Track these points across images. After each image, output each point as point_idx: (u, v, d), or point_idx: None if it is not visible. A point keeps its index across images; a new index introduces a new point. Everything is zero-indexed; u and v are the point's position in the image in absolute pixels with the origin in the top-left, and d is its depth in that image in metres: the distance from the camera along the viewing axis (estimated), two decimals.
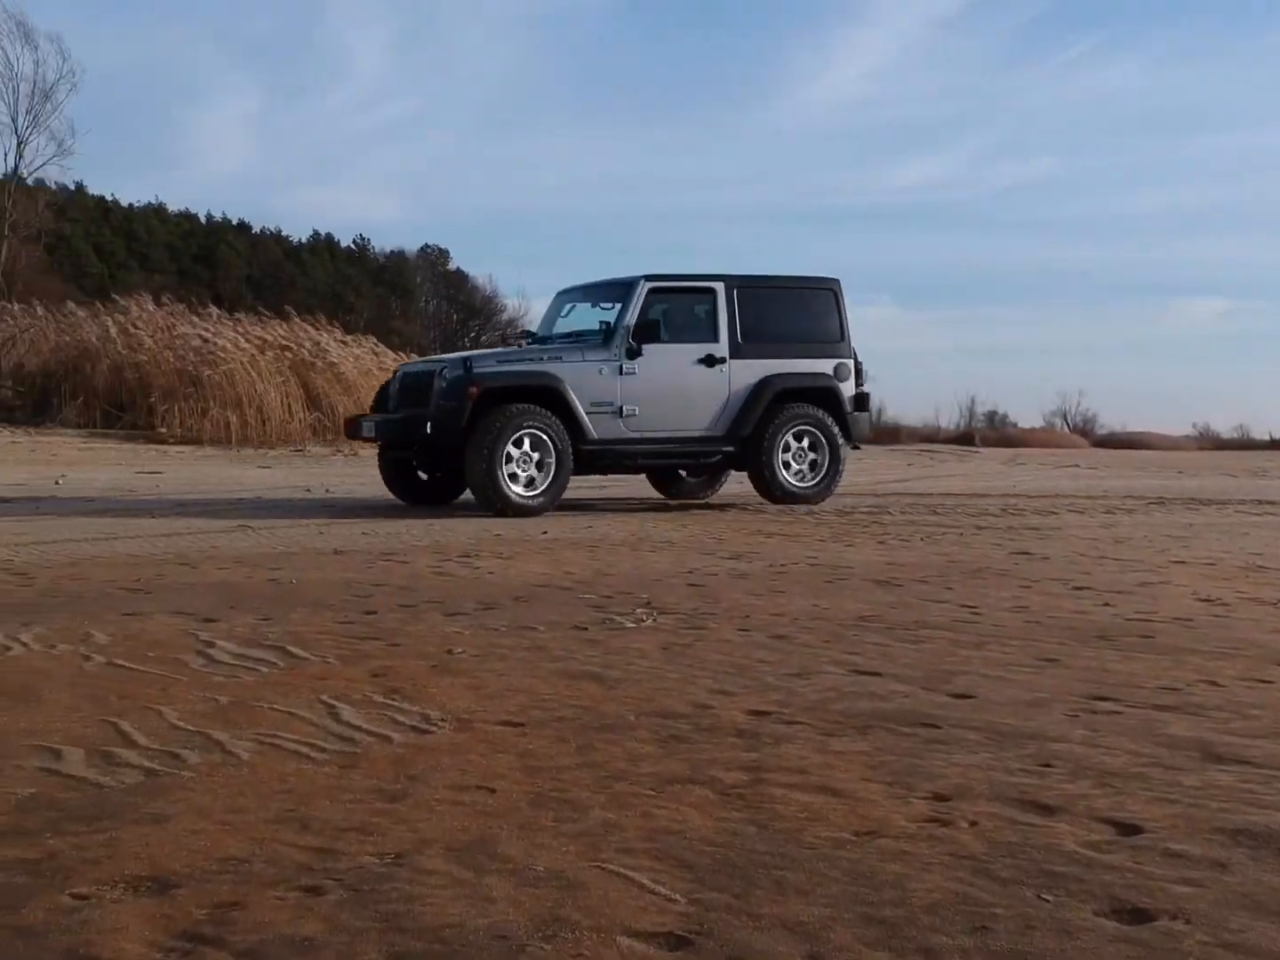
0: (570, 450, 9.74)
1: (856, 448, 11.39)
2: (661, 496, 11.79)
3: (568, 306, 11.30)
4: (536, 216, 69.41)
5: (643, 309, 10.13)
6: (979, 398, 47.02)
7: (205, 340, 22.55)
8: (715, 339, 10.41)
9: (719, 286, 10.50)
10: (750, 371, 10.46)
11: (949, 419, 45.79)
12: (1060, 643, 4.41)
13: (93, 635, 4.37)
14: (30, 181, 26.78)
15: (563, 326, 10.99)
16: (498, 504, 9.48)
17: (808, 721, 3.25)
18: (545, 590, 5.61)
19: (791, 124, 70.12)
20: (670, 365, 10.22)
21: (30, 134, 25.56)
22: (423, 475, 10.79)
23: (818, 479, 10.74)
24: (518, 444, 9.56)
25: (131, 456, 18.74)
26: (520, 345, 11.06)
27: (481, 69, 67.39)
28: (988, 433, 43.35)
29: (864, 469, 19.48)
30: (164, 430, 21.68)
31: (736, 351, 10.43)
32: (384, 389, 11.06)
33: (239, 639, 4.33)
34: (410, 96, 68.38)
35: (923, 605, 5.26)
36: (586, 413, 9.89)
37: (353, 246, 53.39)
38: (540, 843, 2.33)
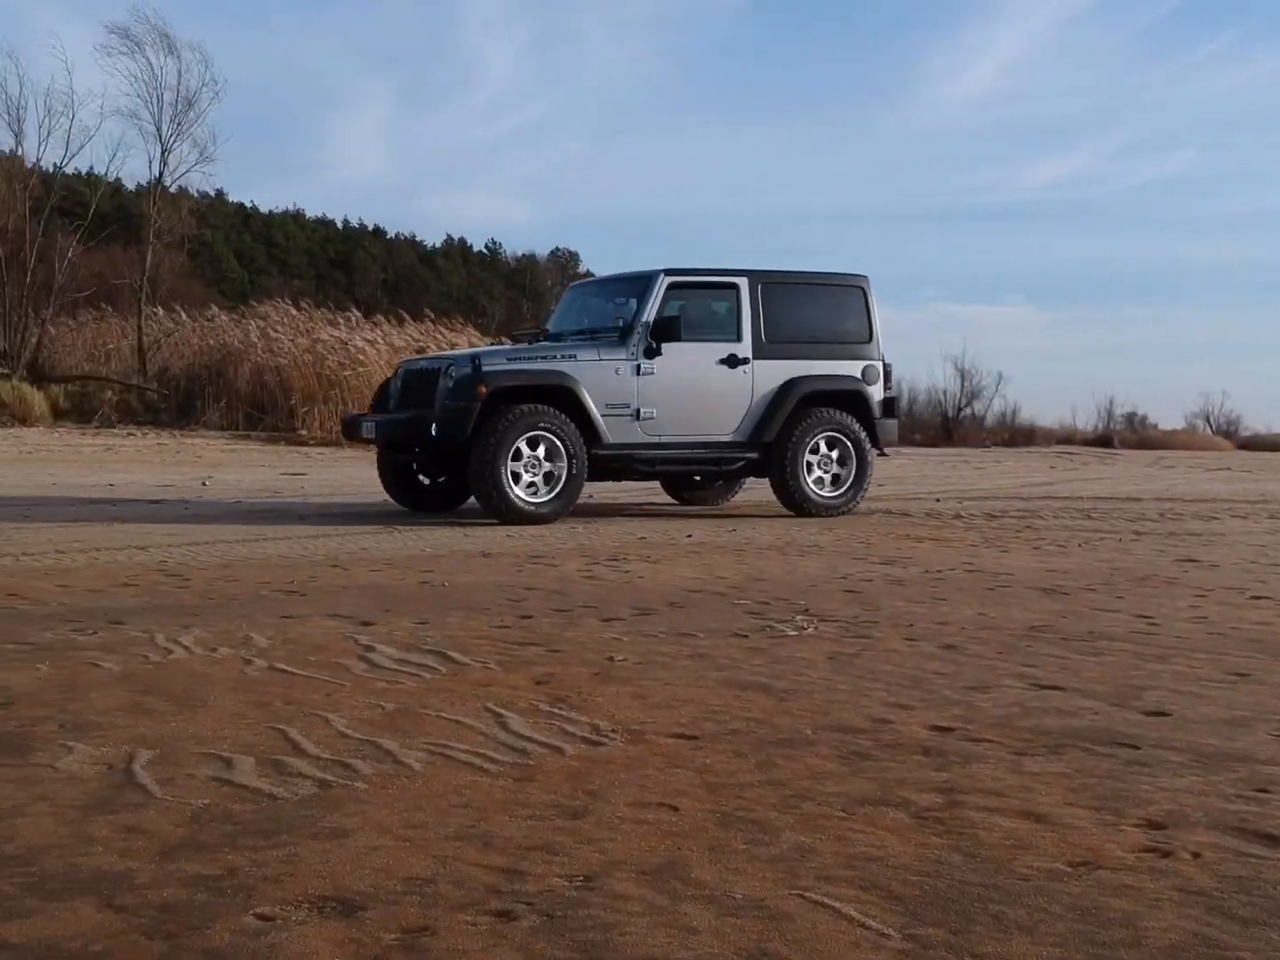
0: (584, 455, 9.09)
1: (883, 454, 10.62)
2: (676, 502, 11.19)
3: (583, 301, 10.69)
4: (666, 219, 69.42)
5: (662, 305, 9.44)
6: (1117, 399, 45.71)
7: (343, 343, 22.85)
8: (738, 338, 9.72)
9: (742, 282, 9.80)
10: (775, 373, 9.78)
11: (1085, 420, 44.78)
12: (1249, 656, 4.18)
13: (252, 638, 4.35)
14: (174, 188, 27.28)
15: (578, 323, 10.24)
16: (502, 509, 8.88)
17: (995, 739, 3.09)
18: (699, 596, 5.50)
19: (922, 123, 69.28)
20: (690, 365, 9.54)
21: (174, 142, 26.02)
22: (425, 480, 10.12)
23: (843, 489, 9.99)
24: (527, 446, 8.92)
25: (274, 458, 19.03)
26: (531, 342, 10.18)
27: (612, 71, 67.73)
28: (1126, 434, 42.33)
29: (1004, 471, 19.09)
30: (304, 432, 22.02)
31: (760, 352, 9.74)
32: (384, 387, 10.29)
33: (398, 643, 4.28)
34: (541, 101, 68.91)
35: (1094, 615, 5.04)
36: (602, 415, 9.23)
37: (485, 250, 54.01)
38: (734, 867, 2.21)
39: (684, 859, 2.25)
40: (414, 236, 53.14)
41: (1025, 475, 18.41)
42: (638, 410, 9.37)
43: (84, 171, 32.00)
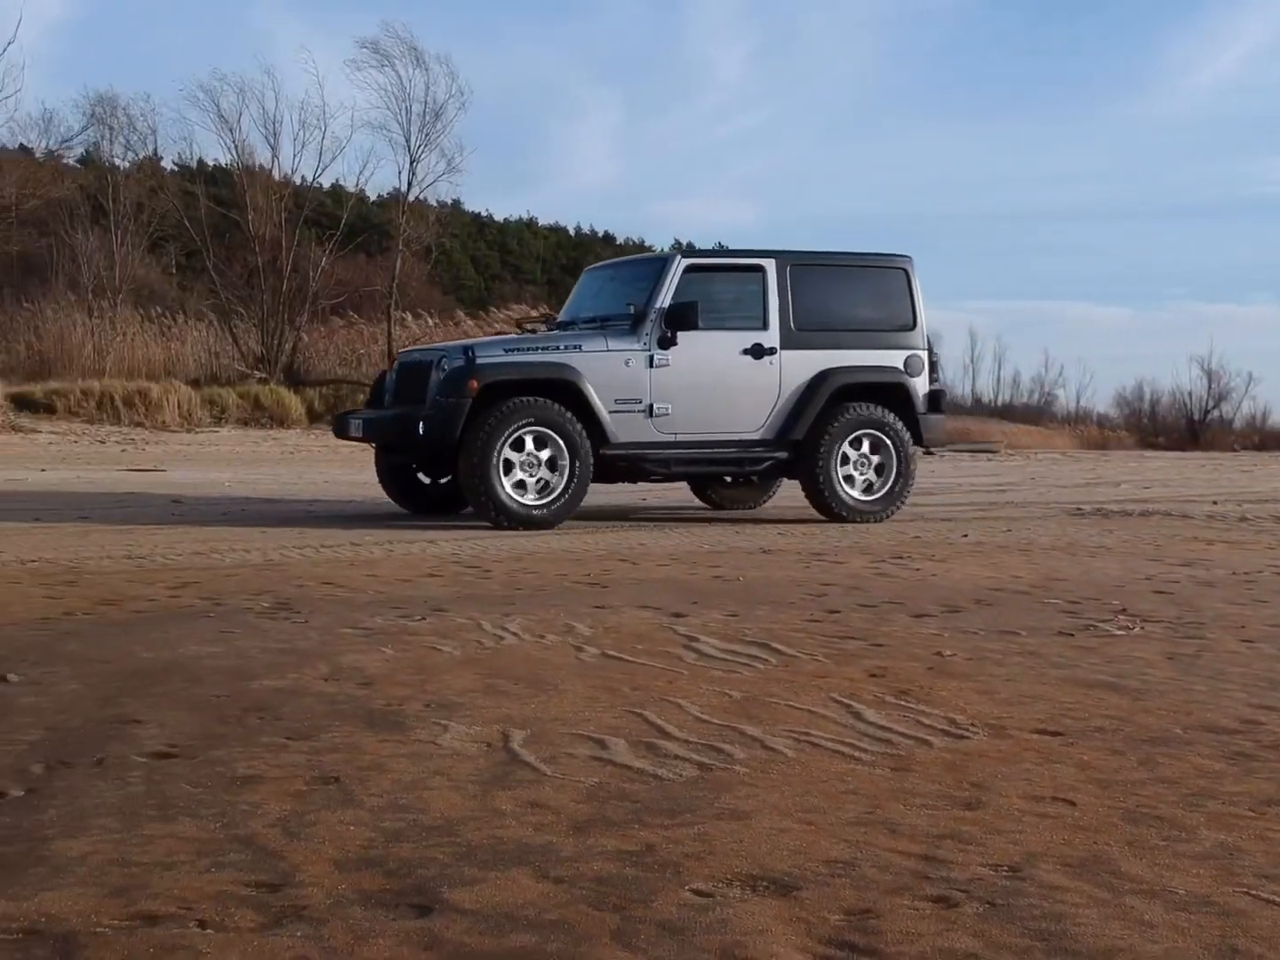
0: (589, 454, 8.30)
1: (930, 452, 9.77)
2: (705, 505, 10.43)
3: (596, 287, 9.76)
4: (893, 219, 68.50)
5: (678, 290, 8.58)
6: None
7: None
8: (764, 326, 8.86)
9: (769, 265, 8.93)
10: (805, 364, 8.91)
11: None
12: None
13: (575, 627, 4.42)
14: (420, 199, 28.14)
15: (589, 310, 9.38)
16: (494, 514, 8.15)
17: None
18: (1001, 594, 5.38)
19: (1160, 116, 66.84)
20: (710, 356, 8.72)
21: (422, 152, 26.84)
22: (425, 479, 9.50)
23: (882, 492, 9.12)
24: (520, 445, 8.18)
25: None
26: (537, 331, 9.52)
27: (837, 72, 67.21)
28: None
29: (1273, 474, 18.27)
30: None
31: (789, 341, 8.88)
32: (380, 380, 9.60)
33: (717, 634, 4.30)
34: (767, 104, 68.77)
35: None
36: (610, 411, 8.43)
37: None
38: (1162, 863, 2.14)
39: (1105, 853, 2.18)
40: (642, 241, 53.59)
41: None
42: (650, 405, 8.58)
43: (333, 183, 33.28)
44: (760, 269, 8.94)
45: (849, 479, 9.04)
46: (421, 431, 8.18)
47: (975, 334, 64.63)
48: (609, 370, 8.46)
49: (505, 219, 52.31)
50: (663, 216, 70.61)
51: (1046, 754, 2.83)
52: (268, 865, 2.09)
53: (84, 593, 5.13)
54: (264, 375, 25.49)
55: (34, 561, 6.16)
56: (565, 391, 8.33)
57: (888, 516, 9.12)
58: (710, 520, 9.26)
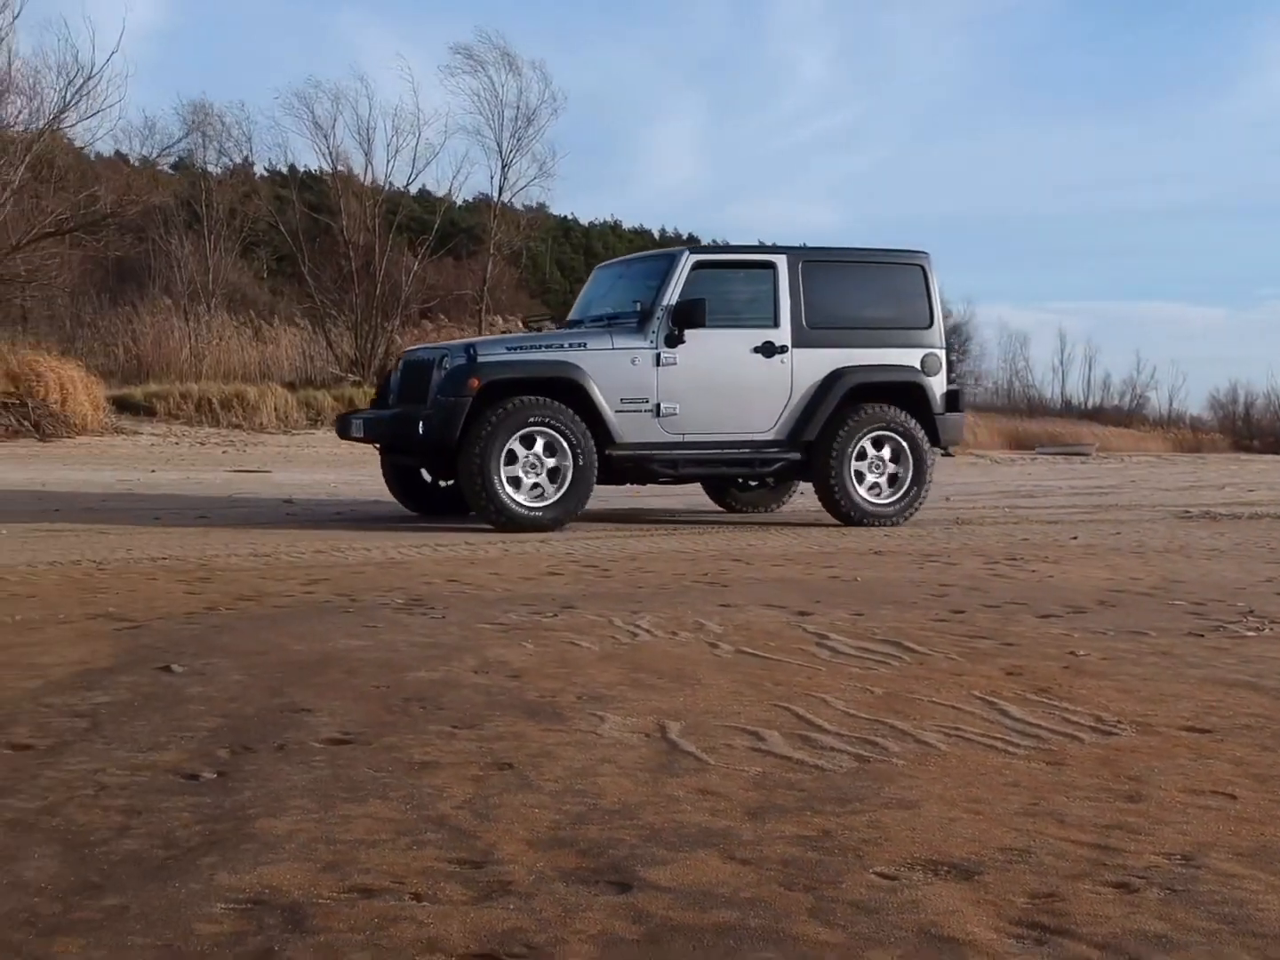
0: (593, 454, 8.18)
1: (949, 454, 9.57)
2: (720, 508, 10.32)
3: (606, 285, 9.59)
4: (979, 221, 68.05)
5: (686, 287, 8.44)
6: None
7: None
8: (775, 324, 8.71)
9: (780, 261, 8.80)
10: (818, 363, 8.75)
11: None
12: None
13: (704, 625, 4.50)
14: (509, 203, 28.42)
15: (598, 308, 9.26)
16: (494, 515, 8.06)
17: None
18: (1122, 596, 5.39)
19: (1250, 113, 65.79)
20: (719, 354, 8.57)
21: (514, 157, 27.12)
22: (429, 479, 9.38)
23: (898, 495, 8.94)
24: (524, 444, 8.08)
25: None
26: (543, 330, 9.37)
27: (921, 73, 66.91)
28: None
29: None
30: None
31: (801, 339, 8.73)
32: (385, 379, 9.45)
33: (846, 633, 4.36)
34: (851, 105, 68.58)
35: None
36: (615, 410, 8.29)
37: None
38: None
39: (1274, 844, 2.23)
40: (726, 243, 53.77)
41: None
42: (658, 405, 8.43)
43: (423, 188, 33.67)
44: (771, 265, 8.83)
45: (863, 481, 8.89)
46: (421, 431, 8.11)
47: (1065, 335, 64.10)
48: (614, 369, 8.35)
49: (590, 222, 52.61)
50: (746, 219, 70.58)
51: (1198, 750, 2.87)
52: (465, 844, 2.19)
53: (221, 588, 5.30)
54: (358, 378, 25.83)
55: (164, 559, 6.36)
56: (569, 390, 8.22)
57: (904, 520, 8.95)
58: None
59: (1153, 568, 6.41)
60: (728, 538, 7.95)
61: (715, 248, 8.85)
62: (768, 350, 8.69)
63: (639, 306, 8.54)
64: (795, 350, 8.74)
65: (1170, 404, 48.06)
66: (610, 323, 8.73)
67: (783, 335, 8.73)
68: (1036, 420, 38.93)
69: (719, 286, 8.64)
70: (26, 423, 19.88)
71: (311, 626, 4.36)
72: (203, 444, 20.96)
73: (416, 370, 8.65)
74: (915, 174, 70.99)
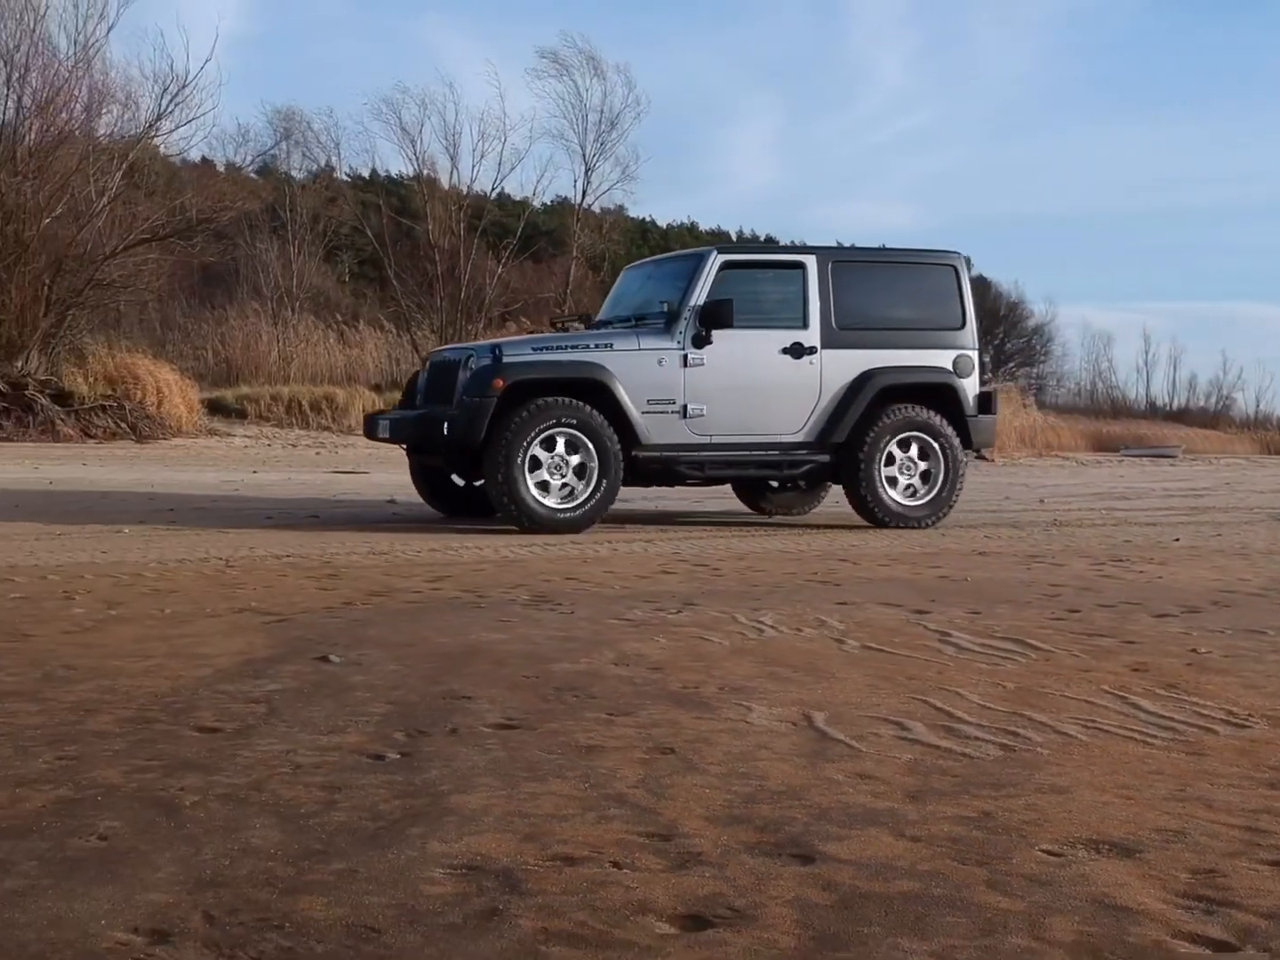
0: (619, 456, 8.09)
1: (981, 456, 9.37)
2: (751, 510, 10.14)
3: (635, 285, 9.51)
4: (1061, 220, 67.51)
5: (714, 287, 8.35)
6: None
7: None
8: (804, 324, 8.59)
9: (809, 261, 8.68)
10: (847, 364, 8.63)
11: None
12: None
13: (826, 621, 4.63)
14: (591, 207, 28.68)
15: (626, 309, 9.17)
16: (518, 516, 7.98)
17: None
18: (1234, 596, 5.45)
19: None
20: (747, 355, 8.47)
21: (597, 161, 27.39)
22: (459, 481, 9.26)
23: (929, 497, 8.78)
24: (549, 446, 8.00)
25: None
26: (572, 329, 9.32)
27: (1002, 72, 66.35)
28: None
29: None
30: None
31: (830, 340, 8.61)
32: (413, 380, 9.41)
33: (968, 630, 4.47)
34: (931, 105, 68.16)
35: None
36: (642, 411, 8.21)
37: None
38: None
39: None
40: (805, 245, 53.71)
41: None
42: (685, 406, 8.34)
43: (502, 191, 34.02)
44: (800, 265, 8.74)
45: (894, 483, 8.78)
46: (446, 432, 8.07)
47: (1149, 336, 63.23)
48: (641, 370, 8.28)
49: (669, 224, 52.71)
50: (824, 220, 70.37)
51: None
52: (649, 819, 2.35)
53: (351, 585, 5.50)
54: None
55: (288, 557, 6.58)
56: (595, 391, 8.16)
57: (934, 523, 8.85)
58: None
59: (1259, 569, 6.46)
60: (829, 538, 8.07)
61: (744, 247, 8.92)
62: (796, 351, 8.61)
63: (666, 307, 8.49)
64: (824, 351, 8.66)
65: (1257, 405, 47.38)
66: (637, 323, 8.69)
67: (812, 336, 8.65)
68: (1120, 422, 38.54)
69: (747, 287, 8.61)
70: (124, 424, 20.36)
71: (449, 621, 4.54)
72: (294, 445, 21.36)
73: (443, 371, 8.64)
74: (994, 174, 70.51)
